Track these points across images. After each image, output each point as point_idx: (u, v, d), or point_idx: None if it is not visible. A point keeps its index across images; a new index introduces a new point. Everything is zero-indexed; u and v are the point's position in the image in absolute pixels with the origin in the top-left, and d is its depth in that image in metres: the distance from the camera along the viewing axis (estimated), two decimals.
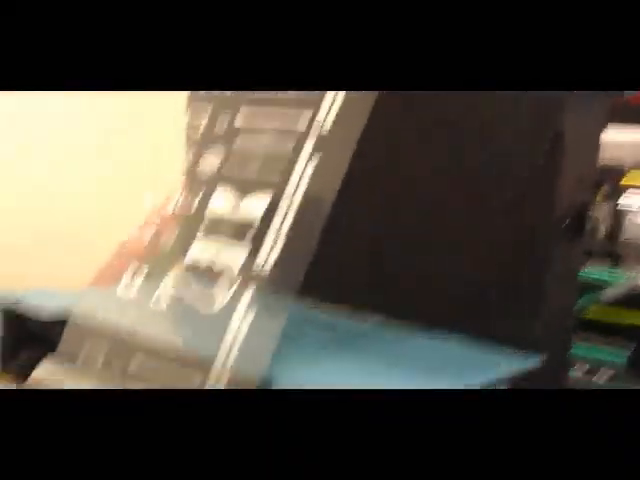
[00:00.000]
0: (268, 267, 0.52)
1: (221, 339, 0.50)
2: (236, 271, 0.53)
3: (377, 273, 0.69)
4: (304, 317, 0.64)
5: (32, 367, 0.59)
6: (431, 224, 0.66)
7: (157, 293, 0.57)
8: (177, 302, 0.56)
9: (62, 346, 0.58)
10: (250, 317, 0.51)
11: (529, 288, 0.61)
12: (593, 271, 0.87)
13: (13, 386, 0.55)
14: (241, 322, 0.51)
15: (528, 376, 0.57)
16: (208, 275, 0.55)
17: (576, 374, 0.82)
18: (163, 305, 0.56)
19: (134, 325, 0.56)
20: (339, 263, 0.68)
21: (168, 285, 0.57)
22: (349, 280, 0.70)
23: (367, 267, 0.70)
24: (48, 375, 0.59)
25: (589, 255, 0.80)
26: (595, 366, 0.85)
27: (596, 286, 0.87)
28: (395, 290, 0.67)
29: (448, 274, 0.64)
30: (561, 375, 0.65)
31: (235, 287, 0.52)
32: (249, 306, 0.51)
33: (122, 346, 0.55)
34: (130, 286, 0.58)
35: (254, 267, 0.52)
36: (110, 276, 0.60)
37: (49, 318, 0.60)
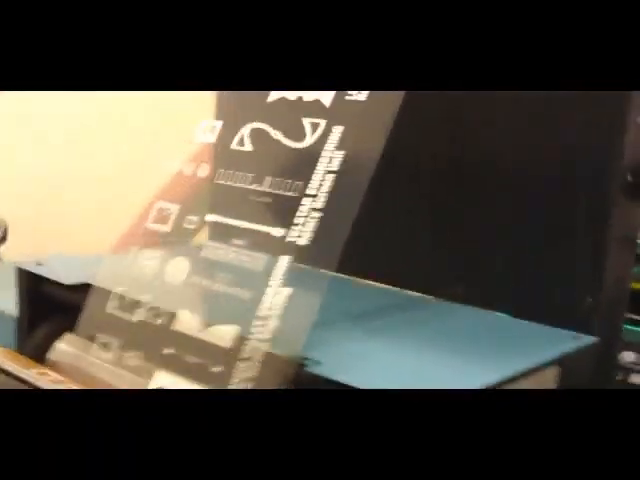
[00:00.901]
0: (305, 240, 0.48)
1: (255, 315, 0.47)
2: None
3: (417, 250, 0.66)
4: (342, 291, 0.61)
5: (48, 347, 0.56)
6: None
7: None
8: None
9: (82, 322, 0.54)
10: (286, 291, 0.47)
11: (583, 256, 0.57)
12: None
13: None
14: (275, 296, 0.47)
15: (578, 356, 0.53)
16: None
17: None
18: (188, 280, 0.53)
19: (160, 301, 0.52)
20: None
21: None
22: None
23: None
24: (65, 358, 0.55)
25: None
26: None
27: None
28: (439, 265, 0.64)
29: (496, 245, 0.61)
30: (610, 357, 0.61)
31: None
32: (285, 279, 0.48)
33: (148, 328, 0.52)
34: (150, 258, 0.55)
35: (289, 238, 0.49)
36: (130, 244, 0.57)
37: (71, 282, 0.56)
